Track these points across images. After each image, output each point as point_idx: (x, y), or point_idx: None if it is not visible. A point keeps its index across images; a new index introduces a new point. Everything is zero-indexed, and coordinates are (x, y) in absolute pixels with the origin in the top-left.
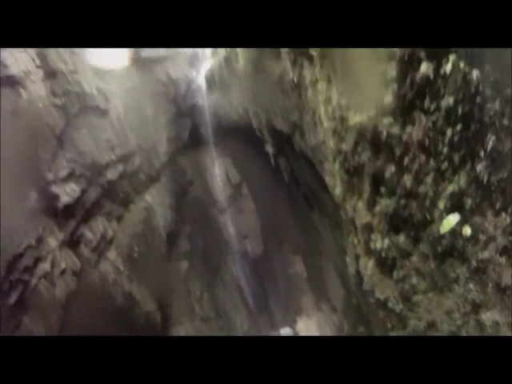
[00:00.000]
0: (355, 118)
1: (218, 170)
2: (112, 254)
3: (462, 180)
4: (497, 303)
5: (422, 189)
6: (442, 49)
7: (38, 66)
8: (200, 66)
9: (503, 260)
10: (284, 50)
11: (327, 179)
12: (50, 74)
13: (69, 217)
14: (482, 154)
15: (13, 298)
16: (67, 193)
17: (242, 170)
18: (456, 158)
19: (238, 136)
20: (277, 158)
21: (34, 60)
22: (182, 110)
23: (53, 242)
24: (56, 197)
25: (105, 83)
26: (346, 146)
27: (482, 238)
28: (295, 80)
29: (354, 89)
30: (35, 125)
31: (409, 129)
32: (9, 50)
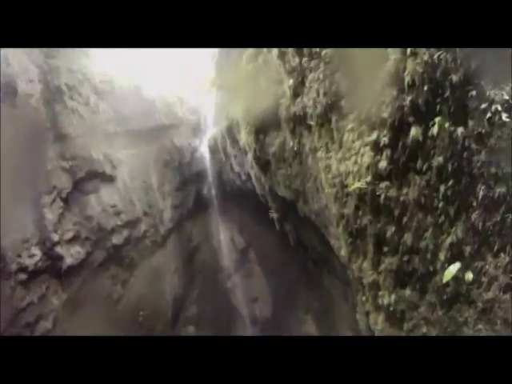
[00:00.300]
0: (354, 184)
1: (223, 236)
2: (116, 316)
3: (458, 230)
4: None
5: (422, 244)
6: (428, 112)
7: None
8: (203, 134)
9: (507, 297)
10: (283, 119)
11: (332, 242)
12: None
13: (72, 278)
14: (474, 203)
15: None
16: (71, 254)
17: (248, 234)
18: (451, 210)
19: (243, 201)
20: (282, 222)
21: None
22: (186, 177)
23: (55, 301)
24: (60, 258)
25: (112, 149)
26: (348, 211)
27: (485, 279)
28: (295, 148)
29: (351, 156)
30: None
31: (405, 189)
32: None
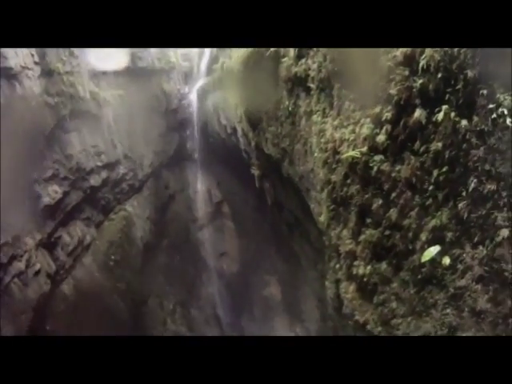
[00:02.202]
0: (348, 152)
1: (200, 187)
2: (88, 260)
3: (444, 215)
4: (472, 326)
5: (406, 222)
6: (436, 98)
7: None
8: (194, 82)
9: (478, 287)
10: (282, 78)
11: (312, 206)
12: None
13: (48, 218)
14: (464, 193)
15: None
16: (49, 194)
17: (225, 189)
18: (440, 195)
19: (224, 155)
20: (262, 180)
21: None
22: (171, 124)
23: (30, 241)
24: (38, 196)
25: (99, 88)
26: (336, 177)
27: (460, 267)
28: (290, 108)
29: (348, 125)
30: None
31: (398, 167)
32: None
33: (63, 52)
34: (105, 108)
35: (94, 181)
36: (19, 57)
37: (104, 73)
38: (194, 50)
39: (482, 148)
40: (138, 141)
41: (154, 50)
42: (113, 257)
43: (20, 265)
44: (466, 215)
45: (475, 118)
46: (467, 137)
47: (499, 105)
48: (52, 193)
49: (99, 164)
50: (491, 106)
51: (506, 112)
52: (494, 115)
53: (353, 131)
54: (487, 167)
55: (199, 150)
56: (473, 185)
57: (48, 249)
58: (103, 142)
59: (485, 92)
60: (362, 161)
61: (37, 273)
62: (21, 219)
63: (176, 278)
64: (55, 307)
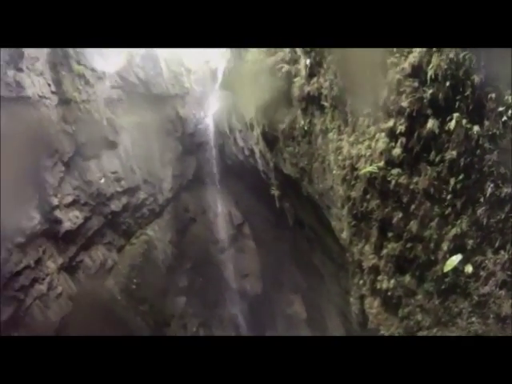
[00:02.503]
0: (366, 168)
1: (220, 209)
2: (110, 283)
3: (463, 223)
4: (498, 332)
5: (426, 232)
6: (447, 107)
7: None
8: (208, 106)
9: (502, 293)
10: (295, 98)
11: (334, 223)
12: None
13: (70, 243)
14: (481, 199)
15: (5, 315)
16: (70, 219)
17: (245, 210)
18: (458, 203)
19: (243, 177)
20: (282, 200)
21: (49, 85)
22: (188, 148)
23: (52, 265)
24: (59, 221)
25: (115, 115)
26: (355, 193)
27: (483, 274)
28: (306, 127)
29: (364, 141)
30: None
31: (415, 178)
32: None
33: (79, 81)
34: (122, 134)
35: (115, 206)
36: (36, 86)
37: (119, 100)
38: (207, 75)
39: (495, 152)
40: (157, 165)
41: (167, 76)
42: (135, 280)
43: (42, 287)
44: (485, 221)
45: (486, 123)
46: (480, 142)
47: (508, 107)
48: (73, 218)
49: (119, 190)
50: (501, 108)
51: None
52: (505, 118)
53: (369, 146)
54: (502, 170)
55: (218, 173)
56: (489, 190)
57: (69, 272)
58: (122, 168)
59: (493, 96)
60: (380, 175)
61: (58, 295)
62: (42, 244)
63: (199, 300)
64: (77, 329)
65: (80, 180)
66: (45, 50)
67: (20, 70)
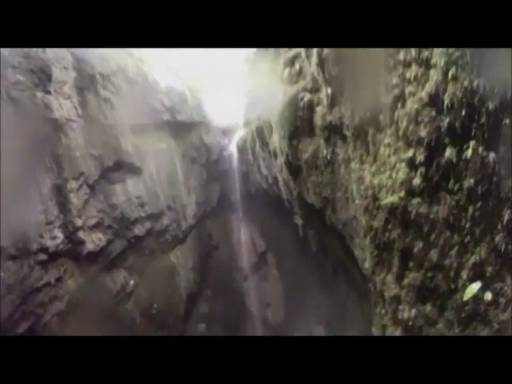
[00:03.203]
0: (387, 198)
1: (243, 237)
2: (130, 306)
3: (482, 251)
4: None
5: (447, 261)
6: (463, 135)
7: (79, 116)
8: (232, 133)
9: None
10: (318, 127)
11: (357, 253)
12: (90, 125)
13: (91, 264)
14: (499, 226)
15: (21, 329)
16: (93, 241)
17: (268, 238)
18: (477, 231)
19: (267, 205)
20: (305, 229)
21: (76, 109)
22: (212, 175)
23: (72, 284)
24: (81, 243)
25: (141, 141)
26: (377, 223)
27: (502, 300)
28: (328, 157)
29: (385, 171)
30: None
31: (435, 207)
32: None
33: (105, 106)
34: (147, 159)
35: (138, 230)
36: (64, 109)
37: (145, 125)
38: (233, 103)
39: (511, 179)
40: (181, 192)
41: (191, 104)
42: (155, 305)
43: (60, 305)
44: (503, 247)
45: (502, 149)
46: (496, 168)
47: None
48: (96, 240)
49: (143, 215)
50: None
51: None
52: None
53: (390, 176)
54: None
55: (241, 200)
56: (507, 216)
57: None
58: (147, 193)
59: (507, 121)
60: (401, 205)
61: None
62: (63, 263)
63: (219, 327)
64: None
65: (105, 203)
66: (72, 74)
67: (48, 92)
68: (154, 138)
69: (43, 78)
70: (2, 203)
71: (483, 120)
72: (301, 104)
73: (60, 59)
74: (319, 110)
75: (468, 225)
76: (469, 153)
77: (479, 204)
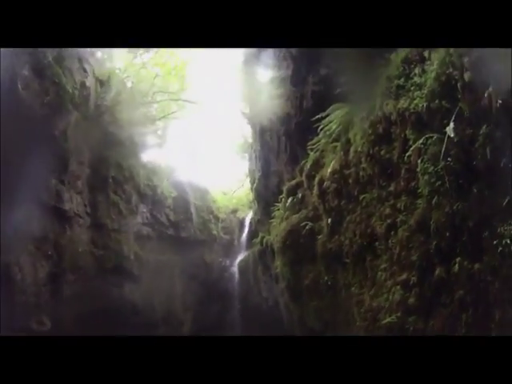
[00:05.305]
0: (386, 319)
1: None
2: None
3: None
4: None
5: None
6: (449, 253)
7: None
8: (235, 255)
9: None
10: (319, 254)
11: None
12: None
13: None
14: (492, 326)
15: None
16: None
17: None
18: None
19: (266, 327)
20: None
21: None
22: (212, 294)
23: None
24: None
25: (143, 251)
26: None
27: None
28: (329, 283)
29: (383, 294)
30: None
31: (431, 322)
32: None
33: (112, 210)
34: (147, 270)
35: None
36: (73, 203)
37: (148, 237)
38: (235, 224)
39: (496, 283)
40: (178, 307)
41: (196, 221)
42: None
43: None
44: None
45: (485, 258)
46: (482, 277)
47: (501, 237)
48: None
49: (137, 323)
50: (495, 241)
51: (508, 241)
52: (500, 248)
53: (387, 299)
54: (506, 296)
55: (240, 322)
56: (497, 316)
57: None
58: (142, 303)
59: (486, 234)
60: (398, 325)
61: None
62: None
63: None
64: None
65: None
66: (86, 172)
67: (62, 182)
68: (156, 250)
69: (60, 165)
70: None
71: (465, 238)
72: (303, 232)
73: (78, 153)
74: (320, 238)
75: (463, 331)
76: (456, 268)
77: (470, 311)
